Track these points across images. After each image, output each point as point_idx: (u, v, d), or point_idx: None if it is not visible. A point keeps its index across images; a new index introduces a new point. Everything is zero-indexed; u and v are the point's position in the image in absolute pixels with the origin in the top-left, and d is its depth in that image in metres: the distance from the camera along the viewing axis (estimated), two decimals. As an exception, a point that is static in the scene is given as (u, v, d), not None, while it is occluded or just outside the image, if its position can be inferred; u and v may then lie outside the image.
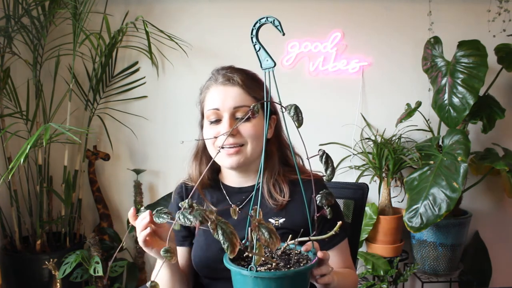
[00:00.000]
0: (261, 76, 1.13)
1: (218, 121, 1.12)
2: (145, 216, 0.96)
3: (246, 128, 1.10)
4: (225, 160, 1.12)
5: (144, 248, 0.97)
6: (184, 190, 1.24)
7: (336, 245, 1.14)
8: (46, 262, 2.12)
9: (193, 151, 1.23)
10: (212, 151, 1.16)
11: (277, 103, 0.80)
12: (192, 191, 1.17)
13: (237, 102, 1.11)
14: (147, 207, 2.39)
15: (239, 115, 1.11)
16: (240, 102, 1.11)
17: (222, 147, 1.10)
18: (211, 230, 0.70)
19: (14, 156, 2.06)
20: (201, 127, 1.20)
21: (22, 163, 1.82)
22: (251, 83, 1.14)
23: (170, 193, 1.63)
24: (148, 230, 0.95)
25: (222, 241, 0.69)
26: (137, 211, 0.98)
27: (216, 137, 1.10)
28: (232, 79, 1.12)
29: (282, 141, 1.21)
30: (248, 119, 1.10)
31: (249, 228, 0.76)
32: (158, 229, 0.98)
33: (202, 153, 1.22)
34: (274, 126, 1.19)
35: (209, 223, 0.70)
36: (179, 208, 1.09)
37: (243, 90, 1.12)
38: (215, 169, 1.25)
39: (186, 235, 1.21)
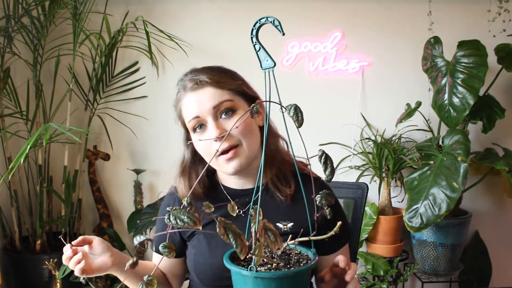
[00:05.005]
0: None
1: (202, 126, 1.06)
2: (68, 253, 1.01)
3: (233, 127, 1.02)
4: (226, 166, 1.05)
5: (88, 276, 1.01)
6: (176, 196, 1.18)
7: (343, 245, 1.14)
8: (46, 262, 2.12)
9: (179, 169, 1.15)
10: (210, 160, 1.07)
11: (277, 103, 0.79)
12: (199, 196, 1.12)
13: (213, 101, 1.04)
14: (147, 207, 2.41)
15: (222, 111, 1.05)
16: (216, 100, 1.04)
17: (218, 156, 1.04)
18: (221, 236, 0.67)
19: (14, 156, 2.06)
20: (187, 142, 1.14)
21: (22, 163, 1.82)
22: (220, 78, 1.07)
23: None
24: (82, 263, 0.99)
25: (234, 244, 0.68)
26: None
27: (217, 150, 1.01)
28: (199, 82, 1.06)
29: (272, 129, 1.13)
30: (231, 117, 1.04)
31: (252, 230, 0.75)
32: (89, 251, 1.04)
33: (190, 169, 1.14)
34: (264, 112, 1.11)
35: (218, 228, 0.68)
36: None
37: (215, 87, 1.05)
38: (210, 172, 1.17)
39: (180, 244, 1.17)
